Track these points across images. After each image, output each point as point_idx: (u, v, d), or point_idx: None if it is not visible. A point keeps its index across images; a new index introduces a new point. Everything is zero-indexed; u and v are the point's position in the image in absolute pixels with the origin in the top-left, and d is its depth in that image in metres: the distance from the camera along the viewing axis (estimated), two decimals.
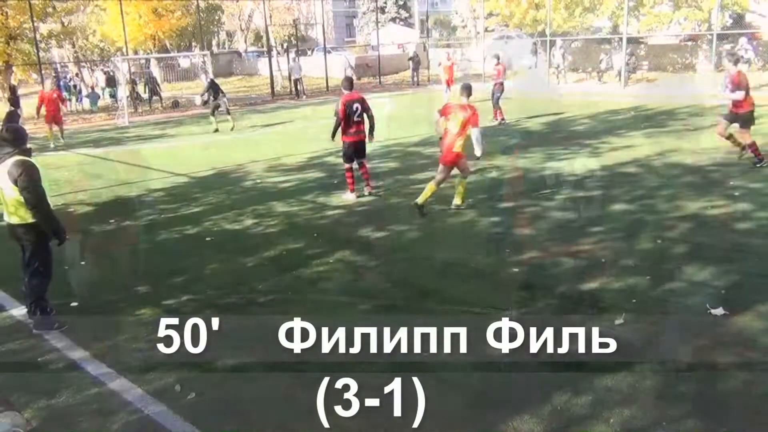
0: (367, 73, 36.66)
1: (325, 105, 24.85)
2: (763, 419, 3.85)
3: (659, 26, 26.62)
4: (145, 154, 15.13)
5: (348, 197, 9.64)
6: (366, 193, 9.72)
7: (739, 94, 10.09)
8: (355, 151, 9.62)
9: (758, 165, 10.21)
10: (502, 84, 17.21)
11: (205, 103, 18.34)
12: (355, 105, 9.38)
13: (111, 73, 29.63)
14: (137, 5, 29.27)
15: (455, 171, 8.70)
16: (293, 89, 28.41)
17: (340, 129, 9.52)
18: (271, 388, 4.47)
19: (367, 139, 9.66)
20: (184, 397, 4.40)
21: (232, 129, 17.97)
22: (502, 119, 16.99)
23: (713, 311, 5.26)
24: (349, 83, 9.70)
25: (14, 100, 17.96)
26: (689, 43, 28.89)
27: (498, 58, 17.86)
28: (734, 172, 10.15)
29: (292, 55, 31.23)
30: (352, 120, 9.39)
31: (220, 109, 18.10)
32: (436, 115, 8.77)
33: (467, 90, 8.75)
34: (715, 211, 8.10)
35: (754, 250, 6.68)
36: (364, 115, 9.48)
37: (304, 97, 28.08)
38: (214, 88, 17.94)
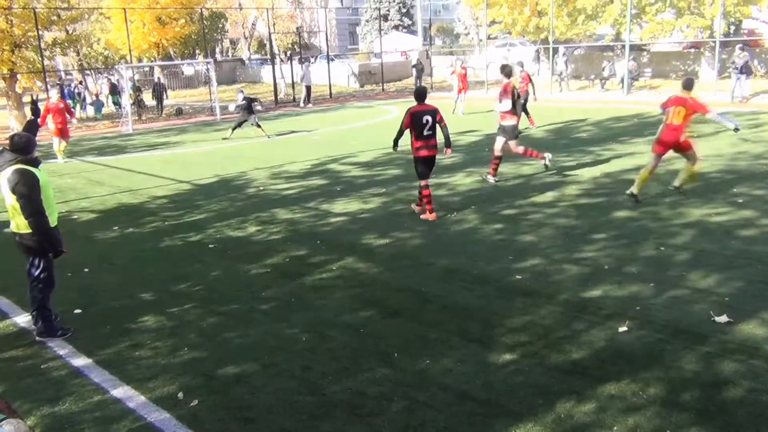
0: (370, 81, 36.77)
1: (329, 112, 24.92)
2: None
3: (662, 34, 26.64)
4: (149, 162, 15.18)
5: (427, 216, 8.82)
6: (412, 208, 9.14)
7: (506, 105, 10.48)
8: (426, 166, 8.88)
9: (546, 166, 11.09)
10: (527, 92, 17.16)
11: (242, 123, 18.31)
12: (426, 117, 8.54)
13: (115, 81, 29.74)
14: (141, 13, 29.40)
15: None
16: (304, 96, 28.52)
17: (411, 144, 8.77)
18: (273, 394, 4.47)
19: (443, 153, 8.99)
20: (187, 404, 4.40)
21: (269, 137, 18.07)
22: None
23: (717, 319, 5.25)
24: (420, 94, 8.80)
25: (35, 110, 17.27)
26: (692, 50, 28.93)
27: (522, 66, 17.81)
28: (737, 179, 10.14)
29: (304, 62, 31.45)
30: (422, 134, 8.58)
31: (250, 124, 18.16)
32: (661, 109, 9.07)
33: (689, 84, 8.90)
34: (719, 218, 8.09)
35: (757, 257, 6.66)
36: (437, 129, 8.65)
37: (310, 105, 28.17)
38: (247, 107, 18.07)
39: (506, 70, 10.97)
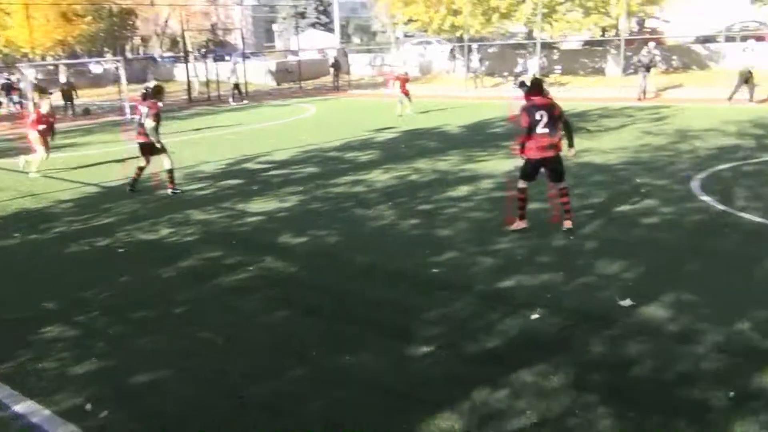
0: (287, 79, 36.43)
1: (244, 111, 24.49)
2: (674, 402, 4.03)
3: (571, 32, 27.69)
4: (54, 164, 14.43)
5: (517, 225, 7.75)
6: (564, 228, 7.59)
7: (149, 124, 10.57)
8: (547, 171, 7.72)
9: (131, 190, 10.84)
10: None
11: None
12: (539, 113, 7.43)
13: (11, 81, 28.07)
14: (45, 9, 27.99)
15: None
16: (234, 93, 28.02)
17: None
18: (187, 400, 4.34)
19: (566, 152, 7.80)
20: (95, 416, 4.21)
21: None
22: None
23: (621, 303, 5.49)
24: (533, 85, 7.82)
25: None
26: (599, 48, 30.19)
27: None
28: (640, 170, 10.64)
29: (230, 59, 30.99)
30: (535, 131, 7.43)
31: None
32: None
33: None
34: (624, 208, 8.47)
35: (659, 244, 7.01)
36: (557, 125, 7.52)
37: (233, 101, 27.62)
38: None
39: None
